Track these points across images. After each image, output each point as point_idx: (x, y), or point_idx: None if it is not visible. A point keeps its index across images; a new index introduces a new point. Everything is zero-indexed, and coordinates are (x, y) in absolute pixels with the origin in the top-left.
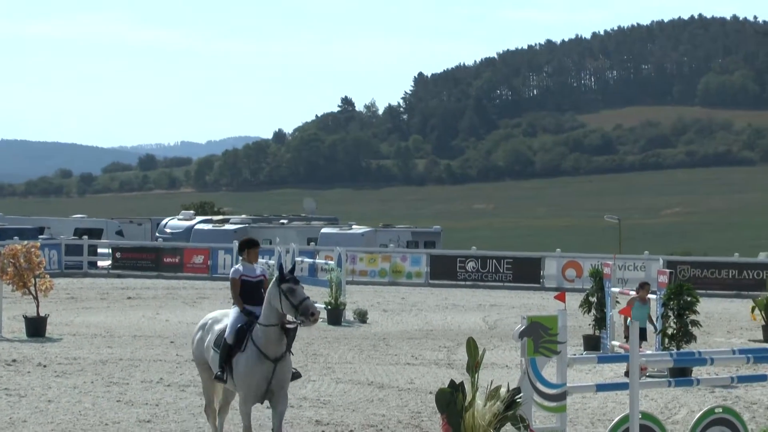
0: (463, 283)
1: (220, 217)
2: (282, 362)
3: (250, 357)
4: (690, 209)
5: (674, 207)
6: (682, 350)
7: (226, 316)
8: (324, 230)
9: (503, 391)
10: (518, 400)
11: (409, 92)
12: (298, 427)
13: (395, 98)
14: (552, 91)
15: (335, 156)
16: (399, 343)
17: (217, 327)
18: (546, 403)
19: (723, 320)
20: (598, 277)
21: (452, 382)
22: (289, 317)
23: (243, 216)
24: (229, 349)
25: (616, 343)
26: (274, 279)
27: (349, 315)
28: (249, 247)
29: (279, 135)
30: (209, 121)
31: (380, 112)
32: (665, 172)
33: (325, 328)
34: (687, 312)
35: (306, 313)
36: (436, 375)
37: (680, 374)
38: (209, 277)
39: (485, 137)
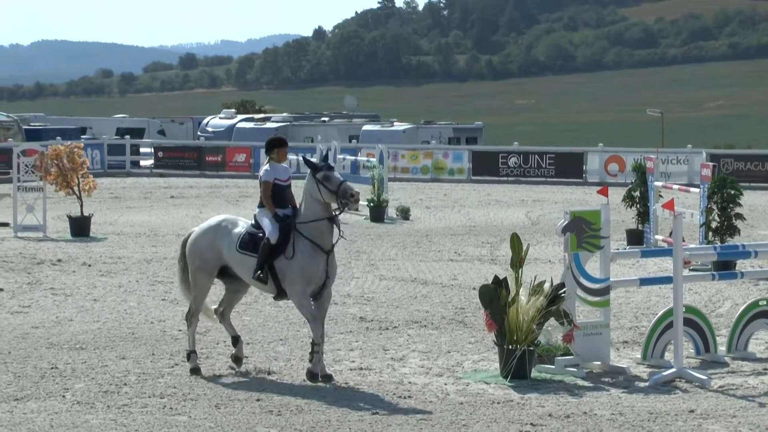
0: (505, 178)
1: (262, 115)
2: (332, 254)
3: (306, 250)
4: (733, 102)
5: (717, 100)
6: (725, 244)
7: (240, 220)
8: (365, 127)
9: (546, 286)
10: (562, 295)
11: None
12: (342, 324)
13: None
14: None
15: (375, 53)
16: (442, 240)
17: (237, 230)
18: (589, 298)
19: (767, 213)
20: (640, 171)
21: (496, 277)
22: (332, 205)
23: (284, 114)
24: (271, 249)
25: (659, 237)
26: (308, 173)
27: (391, 212)
28: (278, 146)
29: (319, 32)
30: (249, 19)
31: (420, 8)
32: (707, 65)
33: (367, 225)
34: (730, 205)
35: (345, 195)
36: (479, 271)
37: (724, 268)
38: (251, 176)
39: (526, 32)
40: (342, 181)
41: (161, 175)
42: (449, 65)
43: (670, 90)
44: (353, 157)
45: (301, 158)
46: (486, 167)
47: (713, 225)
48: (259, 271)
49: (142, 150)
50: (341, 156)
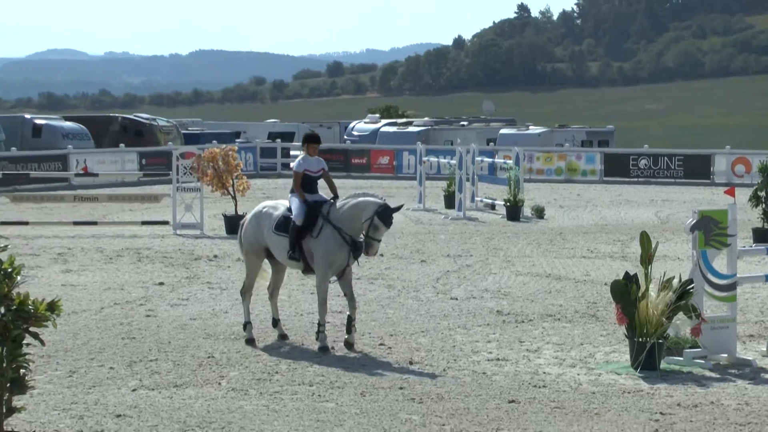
0: (635, 179)
1: (404, 120)
2: (356, 246)
3: (331, 237)
4: None
5: None
6: None
7: (280, 205)
8: (502, 131)
9: (675, 282)
10: (690, 291)
11: None
12: (480, 317)
13: (569, 4)
14: None
15: (512, 60)
16: (575, 237)
17: (276, 213)
18: (716, 293)
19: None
20: (766, 172)
21: (627, 273)
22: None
23: (425, 118)
24: (298, 230)
25: None
26: (378, 202)
27: (527, 211)
28: (309, 141)
29: (458, 41)
30: (392, 29)
31: (554, 17)
32: None
33: (504, 223)
34: None
35: (368, 248)
36: (610, 267)
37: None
38: (395, 177)
39: (656, 40)
40: (378, 240)
41: None
42: (582, 72)
43: None
44: (491, 159)
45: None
46: (617, 169)
47: None
48: (290, 251)
49: (292, 153)
50: (479, 158)
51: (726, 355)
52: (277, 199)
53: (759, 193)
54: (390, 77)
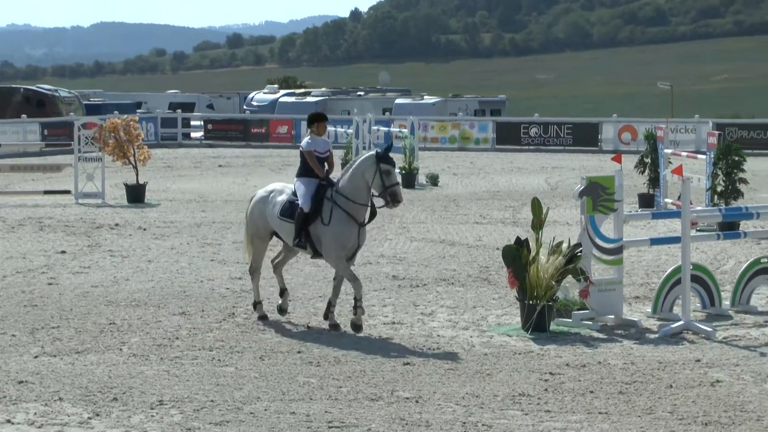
0: (526, 147)
1: (302, 90)
2: (364, 226)
3: (341, 220)
4: (738, 75)
5: (723, 74)
6: (730, 206)
7: (287, 188)
8: (398, 101)
9: (564, 246)
10: (578, 255)
11: None
12: (376, 282)
13: None
14: None
15: (407, 32)
16: (468, 204)
17: (280, 198)
18: (604, 257)
19: None
20: (651, 139)
21: (518, 238)
22: (374, 192)
23: (323, 89)
24: (305, 217)
25: (668, 200)
26: (370, 153)
27: (421, 179)
28: (318, 120)
29: (355, 13)
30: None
31: None
32: (715, 41)
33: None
34: (735, 170)
35: (394, 197)
36: (502, 232)
37: (728, 228)
38: (293, 146)
39: (546, 12)
40: (397, 183)
41: (210, 146)
42: (475, 43)
43: (680, 64)
44: (386, 128)
45: (353, 131)
46: (509, 137)
47: (718, 189)
48: (297, 239)
49: (192, 123)
50: (375, 127)
51: (613, 317)
52: (275, 183)
53: (645, 159)
54: (288, 49)
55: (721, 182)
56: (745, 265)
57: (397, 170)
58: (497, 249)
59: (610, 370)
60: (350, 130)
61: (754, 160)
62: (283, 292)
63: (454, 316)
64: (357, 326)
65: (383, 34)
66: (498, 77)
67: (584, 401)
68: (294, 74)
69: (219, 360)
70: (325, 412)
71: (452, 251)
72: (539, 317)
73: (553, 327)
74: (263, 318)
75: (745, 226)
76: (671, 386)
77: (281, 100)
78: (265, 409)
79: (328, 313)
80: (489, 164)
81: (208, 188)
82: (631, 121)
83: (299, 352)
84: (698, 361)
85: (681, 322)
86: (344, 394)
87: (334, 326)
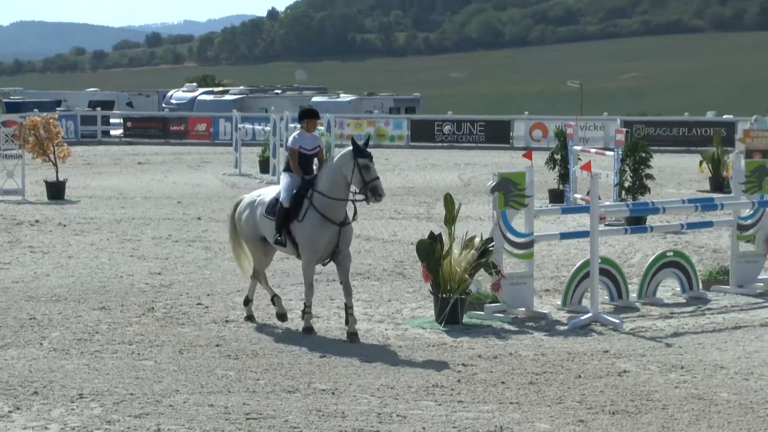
0: (440, 144)
1: (221, 88)
2: (346, 226)
3: (315, 222)
4: (645, 74)
5: (630, 72)
6: (637, 201)
7: (272, 190)
8: (314, 99)
9: (477, 240)
10: (490, 249)
11: None
12: (294, 277)
13: None
14: None
15: (324, 31)
16: (383, 200)
17: (267, 199)
18: (515, 251)
19: (674, 173)
20: (561, 136)
21: (431, 233)
22: (354, 189)
23: (241, 87)
24: (285, 213)
25: (578, 195)
26: (347, 149)
27: None
28: (308, 116)
29: (272, 13)
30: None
31: None
32: (622, 40)
33: None
34: (641, 167)
35: (375, 192)
36: (416, 228)
37: (636, 223)
38: (211, 143)
39: (459, 11)
40: (376, 177)
41: (129, 143)
42: (390, 42)
43: (589, 63)
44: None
45: (270, 129)
46: (423, 134)
47: (626, 184)
48: (277, 234)
49: (112, 120)
50: (293, 125)
51: (524, 309)
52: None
53: (555, 156)
54: (207, 48)
55: (629, 178)
56: (652, 259)
57: (374, 166)
58: (411, 244)
59: (521, 361)
60: (268, 128)
61: (660, 157)
62: (273, 299)
63: (369, 309)
64: (307, 329)
65: (300, 33)
66: (412, 75)
67: (496, 391)
68: (212, 73)
69: (138, 354)
70: (243, 404)
71: (368, 246)
72: (452, 310)
73: (465, 319)
74: (251, 318)
75: (651, 220)
76: (580, 376)
77: (200, 98)
78: (184, 402)
79: (348, 318)
80: (404, 161)
81: (127, 185)
82: (542, 118)
83: (218, 346)
84: (606, 351)
85: (590, 314)
86: (262, 386)
87: (352, 335)
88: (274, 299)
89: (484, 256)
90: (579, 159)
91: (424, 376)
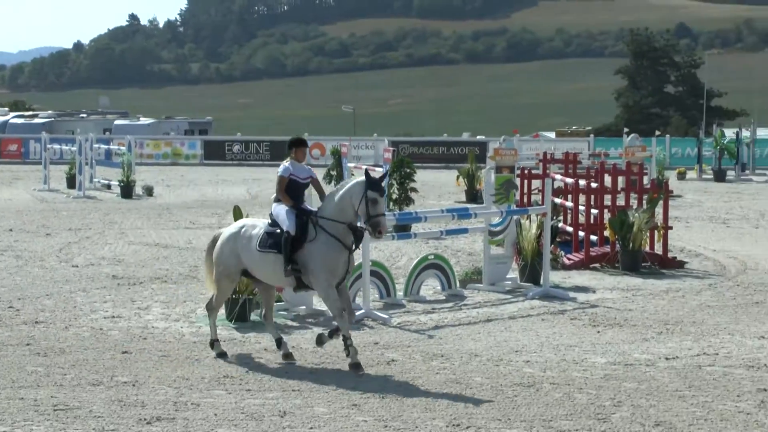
0: (230, 162)
1: (31, 112)
2: (351, 253)
3: (330, 245)
4: (410, 100)
5: (398, 98)
6: (403, 211)
7: (259, 223)
8: (117, 122)
9: None
10: None
11: (184, 9)
12: (98, 281)
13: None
14: (298, 6)
15: (125, 62)
16: (179, 212)
17: (255, 231)
18: None
19: (435, 187)
20: (337, 155)
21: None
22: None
23: (50, 111)
24: (293, 241)
25: None
26: (360, 179)
27: (138, 190)
28: (297, 146)
29: (78, 45)
30: (19, 33)
31: (161, 25)
32: (390, 71)
33: (119, 201)
34: (407, 181)
35: (375, 227)
36: (209, 236)
37: (402, 230)
38: (22, 162)
39: (246, 44)
40: (382, 214)
41: None
42: (185, 71)
43: (361, 90)
44: (107, 146)
45: (76, 149)
46: (215, 153)
47: (394, 196)
48: (289, 265)
49: None
50: (97, 145)
51: (304, 307)
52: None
53: (331, 172)
54: (18, 76)
55: (396, 191)
56: (416, 261)
57: (383, 201)
58: (204, 251)
59: (302, 353)
60: (74, 148)
61: (423, 172)
62: (279, 343)
63: (167, 309)
64: (355, 365)
65: (103, 63)
66: (205, 101)
67: (280, 380)
68: (23, 98)
69: None
70: (52, 396)
71: (165, 253)
72: (241, 309)
73: (253, 317)
74: (222, 355)
75: (415, 228)
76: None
77: (11, 121)
78: None
79: (348, 349)
80: (198, 177)
81: None
82: (320, 139)
83: (28, 345)
84: (376, 343)
85: (362, 311)
86: (69, 380)
87: (355, 366)
88: (214, 344)
89: None
90: (353, 174)
91: (216, 368)
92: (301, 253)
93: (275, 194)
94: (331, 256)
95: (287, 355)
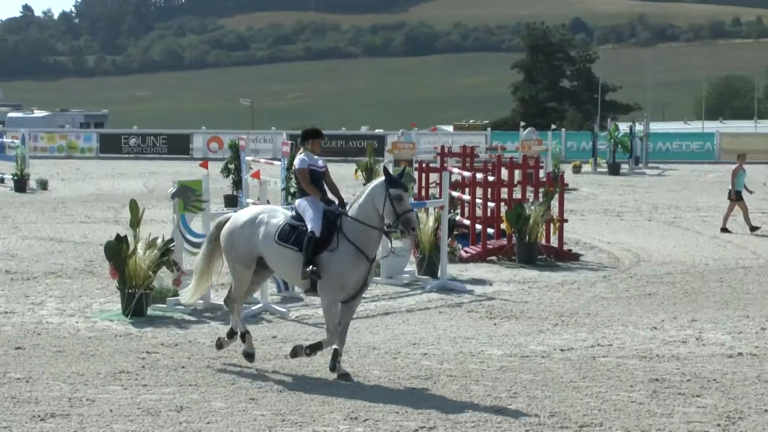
0: (127, 155)
1: None
2: (374, 263)
3: (349, 255)
4: (308, 93)
5: (296, 92)
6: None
7: (276, 210)
8: (10, 114)
9: (159, 241)
10: (171, 248)
11: (80, 0)
12: None
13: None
14: None
15: (19, 53)
16: (75, 206)
17: (275, 221)
18: (194, 250)
19: (334, 180)
20: (235, 148)
21: (118, 235)
22: (387, 221)
23: None
24: (316, 242)
25: (250, 200)
26: (380, 179)
27: (32, 184)
28: (313, 137)
29: None
30: None
31: (56, 16)
32: (289, 64)
33: (12, 195)
34: None
35: (407, 225)
36: (105, 230)
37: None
38: None
39: (143, 37)
40: (410, 210)
41: None
42: (81, 63)
43: (259, 84)
44: (0, 139)
45: (382, 166)
46: (111, 146)
47: (291, 190)
48: (309, 267)
49: None
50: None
51: (202, 302)
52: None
53: (229, 165)
54: None
55: (294, 184)
56: None
57: (409, 196)
58: (100, 245)
59: (199, 347)
60: None
61: None
62: (244, 336)
63: (62, 304)
64: (344, 375)
65: None
66: (101, 94)
67: (177, 375)
68: None
69: None
70: None
71: (60, 247)
72: (138, 303)
73: (150, 312)
74: (249, 356)
75: None
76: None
77: None
78: None
79: (334, 363)
80: (94, 171)
81: None
82: (218, 132)
83: None
84: (274, 337)
85: (260, 305)
86: None
87: (344, 376)
88: (245, 336)
89: (165, 255)
90: (250, 168)
91: (111, 364)
92: (319, 259)
93: (294, 188)
94: (349, 270)
95: (249, 355)
